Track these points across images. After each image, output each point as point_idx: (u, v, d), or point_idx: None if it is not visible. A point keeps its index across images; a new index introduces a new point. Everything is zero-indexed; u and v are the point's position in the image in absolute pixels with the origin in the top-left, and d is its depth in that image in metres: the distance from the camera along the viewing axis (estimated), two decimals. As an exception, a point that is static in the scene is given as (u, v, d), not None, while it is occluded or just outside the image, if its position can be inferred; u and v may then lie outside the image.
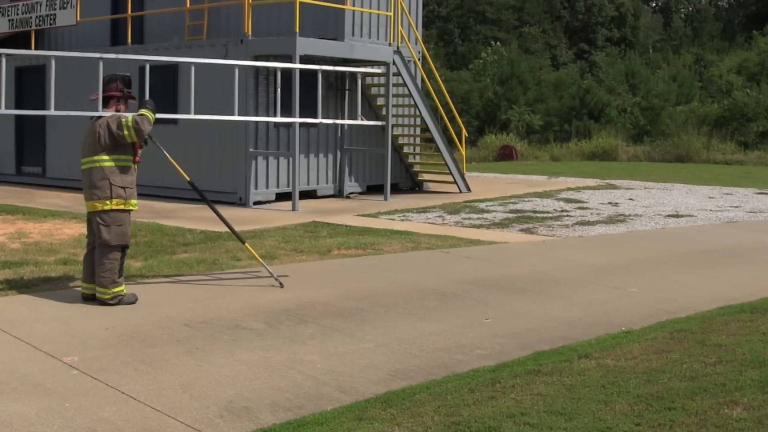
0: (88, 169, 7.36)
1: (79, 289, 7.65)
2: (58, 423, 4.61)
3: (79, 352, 5.92)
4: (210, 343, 6.21)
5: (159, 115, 7.70)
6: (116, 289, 7.31)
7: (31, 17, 18.91)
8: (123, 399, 5.00)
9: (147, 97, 7.64)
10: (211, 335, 6.41)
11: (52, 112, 7.72)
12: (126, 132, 7.26)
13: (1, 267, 8.96)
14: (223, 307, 7.30)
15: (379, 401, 5.00)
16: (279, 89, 9.37)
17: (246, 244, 8.55)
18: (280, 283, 8.18)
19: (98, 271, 7.32)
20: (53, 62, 7.76)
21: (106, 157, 7.30)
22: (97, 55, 7.75)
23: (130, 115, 7.33)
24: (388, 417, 4.71)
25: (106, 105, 7.45)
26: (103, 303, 7.29)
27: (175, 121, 15.46)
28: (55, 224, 12.50)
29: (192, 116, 8.59)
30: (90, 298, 7.45)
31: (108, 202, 7.28)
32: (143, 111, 7.39)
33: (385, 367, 5.72)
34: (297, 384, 5.33)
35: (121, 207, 7.34)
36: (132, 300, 7.39)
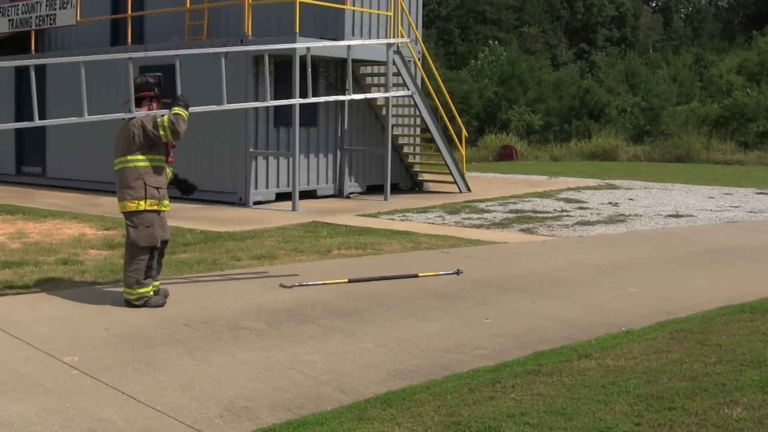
0: (122, 169, 7.31)
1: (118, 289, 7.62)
2: (58, 423, 4.61)
3: (79, 352, 5.92)
4: (210, 343, 6.21)
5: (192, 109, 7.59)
6: (141, 290, 7.27)
7: (31, 17, 18.91)
8: (123, 399, 5.00)
9: (179, 92, 7.54)
10: (211, 335, 6.41)
11: (86, 118, 7.67)
12: (162, 132, 7.23)
13: (1, 267, 8.97)
14: (223, 307, 7.29)
15: (379, 401, 5.00)
16: (309, 79, 8.87)
17: None
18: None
19: (125, 271, 7.33)
20: (83, 69, 7.65)
21: (140, 157, 7.26)
22: (127, 55, 7.69)
23: (165, 115, 7.29)
24: (388, 417, 4.71)
25: (138, 106, 7.41)
26: (129, 303, 7.25)
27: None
28: (55, 224, 12.50)
29: (224, 106, 8.25)
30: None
31: (142, 202, 7.26)
32: (177, 110, 7.29)
33: (385, 367, 5.72)
34: (297, 384, 5.33)
35: (155, 207, 7.32)
36: (160, 303, 7.29)
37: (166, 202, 7.47)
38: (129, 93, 7.46)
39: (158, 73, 7.70)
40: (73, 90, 14.14)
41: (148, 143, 7.26)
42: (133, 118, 7.32)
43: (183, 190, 8.05)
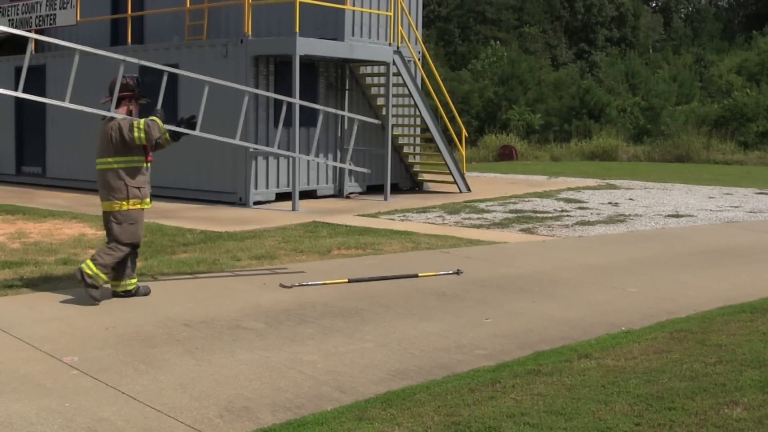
0: (103, 170, 7.52)
1: (111, 287, 7.64)
2: (58, 423, 4.61)
3: (79, 352, 5.92)
4: (210, 343, 6.21)
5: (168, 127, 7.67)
6: (100, 273, 7.29)
7: (31, 17, 18.91)
8: (123, 399, 5.00)
9: (159, 106, 7.71)
10: (211, 335, 6.41)
11: (66, 104, 7.64)
12: (136, 134, 7.40)
13: (1, 267, 8.97)
14: (223, 307, 7.30)
15: (379, 401, 5.00)
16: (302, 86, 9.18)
17: None
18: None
19: (100, 251, 7.43)
20: (77, 57, 7.64)
21: (119, 158, 7.46)
22: (121, 57, 7.71)
23: (142, 120, 7.46)
24: (388, 417, 4.71)
25: (117, 106, 7.54)
26: (81, 273, 7.26)
27: (175, 121, 15.47)
28: (55, 224, 12.50)
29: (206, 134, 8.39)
30: (120, 295, 7.53)
31: (125, 202, 7.45)
32: (154, 118, 7.52)
33: (385, 367, 5.72)
34: (297, 384, 5.33)
35: (138, 206, 7.50)
36: (96, 297, 7.27)
37: (148, 200, 7.64)
38: (115, 93, 7.48)
39: (135, 75, 7.87)
40: (73, 89, 14.09)
41: (125, 145, 7.43)
42: (112, 119, 7.46)
43: (191, 127, 7.91)
